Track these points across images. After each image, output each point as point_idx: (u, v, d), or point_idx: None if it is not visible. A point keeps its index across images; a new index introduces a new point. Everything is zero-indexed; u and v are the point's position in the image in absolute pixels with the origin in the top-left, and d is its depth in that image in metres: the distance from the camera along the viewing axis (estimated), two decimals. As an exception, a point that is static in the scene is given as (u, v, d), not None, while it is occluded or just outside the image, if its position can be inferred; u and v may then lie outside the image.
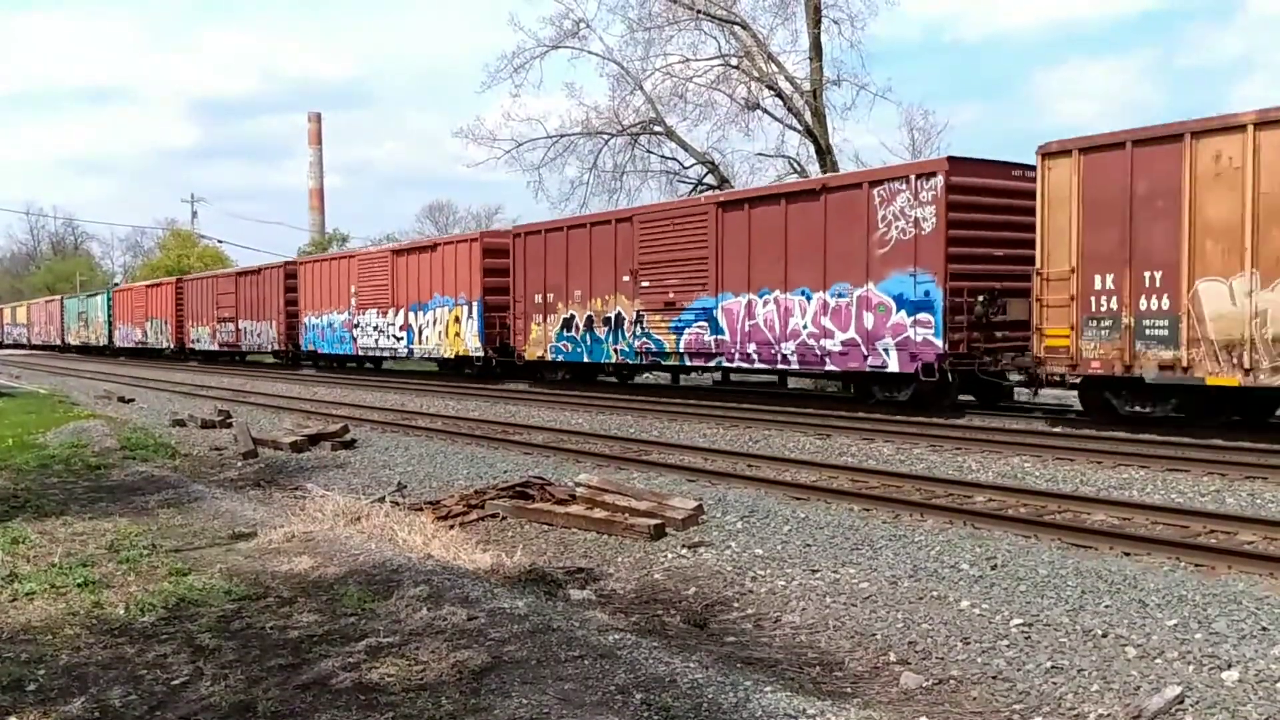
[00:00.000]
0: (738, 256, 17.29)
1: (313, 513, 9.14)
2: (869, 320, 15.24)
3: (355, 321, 28.56)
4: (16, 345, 67.28)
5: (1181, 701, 5.04)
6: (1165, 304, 12.12)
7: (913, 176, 14.68)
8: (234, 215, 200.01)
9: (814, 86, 27.49)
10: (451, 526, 9.28)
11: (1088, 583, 6.77)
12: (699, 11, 28.11)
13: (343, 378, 28.87)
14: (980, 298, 14.38)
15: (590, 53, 30.07)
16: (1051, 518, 8.51)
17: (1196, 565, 7.03)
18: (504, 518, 9.80)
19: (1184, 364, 11.93)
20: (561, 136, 30.53)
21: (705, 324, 17.99)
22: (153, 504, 9.83)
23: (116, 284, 65.76)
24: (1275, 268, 11.21)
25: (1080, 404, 14.13)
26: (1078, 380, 13.30)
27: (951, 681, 5.54)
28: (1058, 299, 13.00)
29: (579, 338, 20.91)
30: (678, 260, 18.53)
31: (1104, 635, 5.95)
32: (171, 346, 41.42)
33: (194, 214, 75.96)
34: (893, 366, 14.93)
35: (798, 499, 9.69)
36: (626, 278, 19.62)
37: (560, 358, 21.66)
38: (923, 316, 14.48)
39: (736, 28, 28.37)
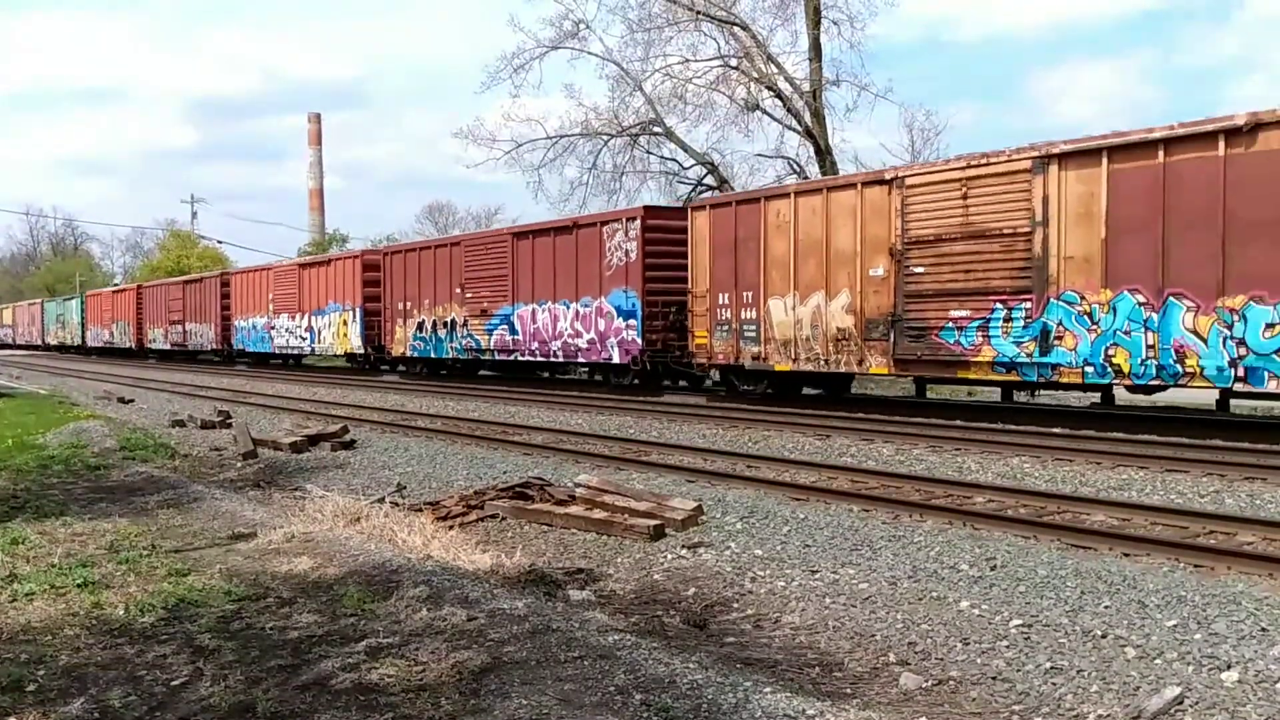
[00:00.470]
0: (526, 275, 22.48)
1: (312, 513, 9.14)
2: (602, 324, 20.56)
3: (272, 324, 33.60)
4: (2, 345, 70.69)
5: (1181, 702, 5.04)
6: (754, 315, 17.18)
7: (625, 219, 20.13)
8: (234, 216, 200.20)
9: (813, 87, 27.52)
10: (451, 527, 9.28)
11: (1087, 583, 6.77)
12: (699, 12, 28.15)
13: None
14: (673, 308, 19.47)
15: (590, 54, 30.15)
16: (1051, 518, 8.51)
17: (1196, 566, 7.03)
18: (503, 518, 9.80)
19: (764, 356, 17.05)
20: (561, 137, 30.59)
21: (506, 327, 23.10)
22: (152, 504, 9.83)
23: (119, 284, 66.65)
24: (806, 289, 16.25)
25: (721, 384, 19.58)
26: (713, 368, 18.71)
27: (951, 682, 5.54)
28: (700, 310, 18.27)
29: (428, 338, 25.88)
30: (489, 277, 23.59)
31: (1103, 636, 5.95)
32: (133, 345, 46.18)
33: (194, 215, 76.15)
34: (615, 359, 20.25)
35: (797, 500, 9.69)
36: (458, 290, 24.63)
37: (416, 354, 26.55)
38: (631, 322, 19.83)
39: (736, 29, 28.41)
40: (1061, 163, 12.75)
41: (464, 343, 24.47)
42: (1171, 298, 11.75)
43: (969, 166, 13.84)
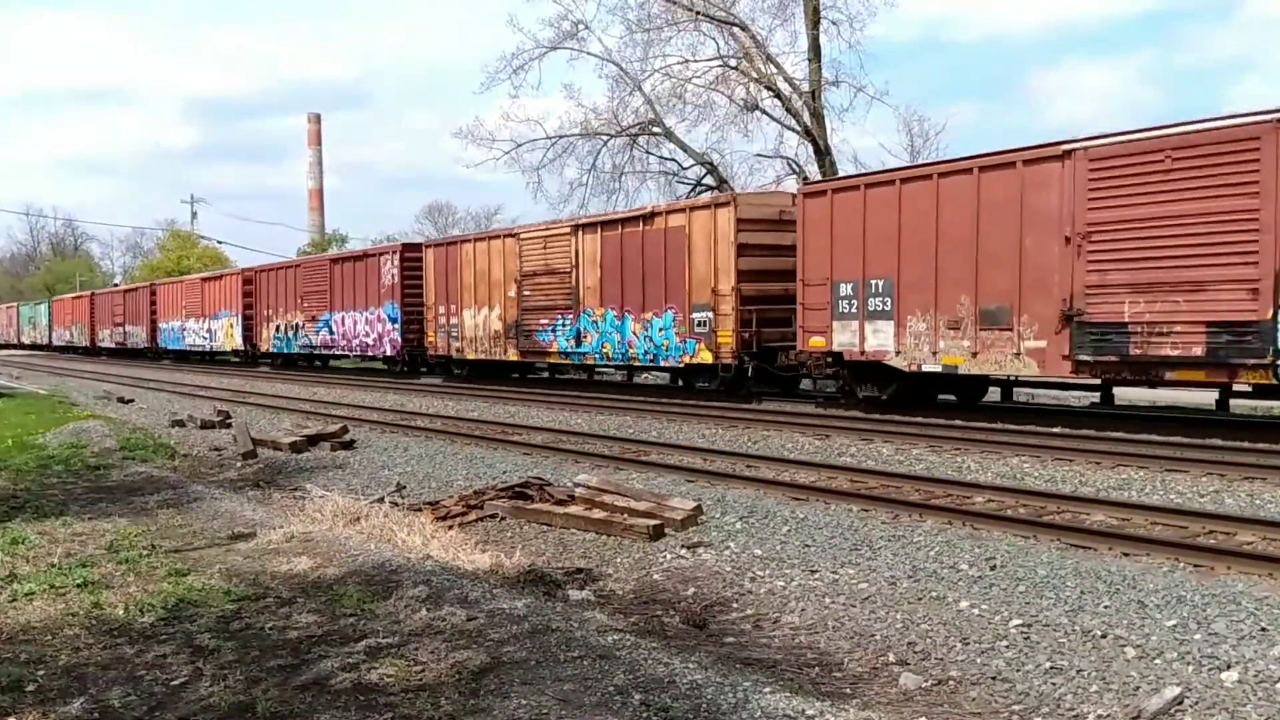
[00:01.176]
0: (339, 291, 29.77)
1: (312, 513, 9.14)
2: (380, 328, 27.83)
3: (185, 326, 41.28)
4: None
5: (1181, 702, 5.05)
6: (456, 320, 24.51)
7: (391, 253, 27.77)
8: (234, 216, 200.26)
9: (813, 87, 27.51)
10: (450, 527, 9.28)
11: (1087, 583, 6.77)
12: (698, 13, 28.13)
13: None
14: (419, 317, 26.19)
15: (589, 54, 30.12)
16: (1050, 518, 8.51)
17: (1195, 566, 7.03)
18: (503, 518, 9.80)
19: (461, 350, 24.58)
20: (560, 137, 30.58)
21: (328, 329, 30.29)
22: (152, 504, 9.83)
23: (119, 284, 67.67)
24: (481, 303, 23.86)
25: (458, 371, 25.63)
26: (437, 358, 25.86)
27: (950, 682, 5.54)
28: (431, 318, 25.57)
29: (282, 337, 33.41)
30: (316, 291, 31.04)
31: (1103, 636, 5.95)
32: (87, 344, 52.99)
33: (193, 215, 76.09)
34: (389, 353, 27.64)
35: (797, 499, 9.69)
36: (300, 300, 31.99)
37: (276, 349, 34.01)
38: (395, 325, 26.96)
39: (735, 29, 28.39)
40: (585, 230, 20.75)
41: (302, 341, 32.03)
42: (627, 312, 19.54)
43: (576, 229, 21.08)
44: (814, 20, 27.30)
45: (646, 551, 8.42)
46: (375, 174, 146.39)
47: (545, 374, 25.93)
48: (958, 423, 13.86)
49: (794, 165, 29.16)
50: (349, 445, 14.86)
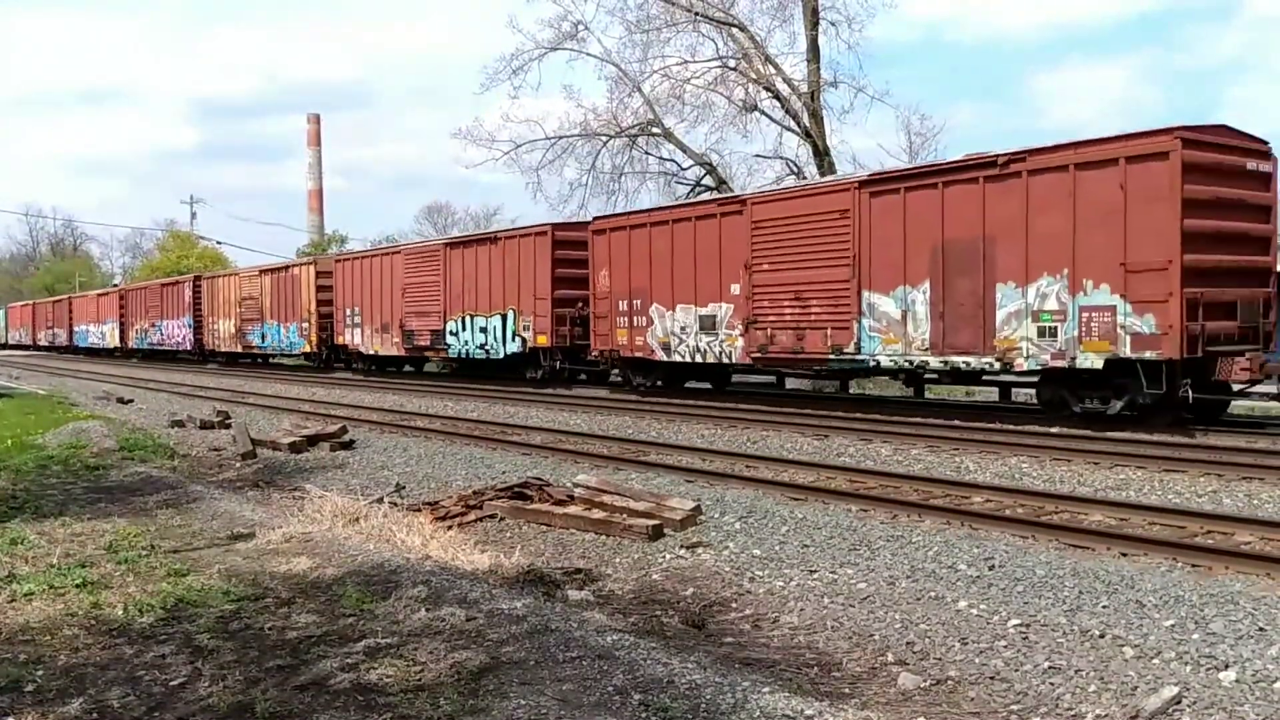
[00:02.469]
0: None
1: (311, 514, 9.14)
2: (183, 329, 39.91)
3: (87, 329, 53.86)
4: None
5: (1179, 702, 5.06)
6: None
7: (185, 283, 40.74)
8: (234, 216, 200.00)
9: (811, 88, 27.52)
10: (450, 527, 9.28)
11: (1085, 583, 6.78)
12: (697, 14, 28.14)
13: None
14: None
15: (588, 55, 30.11)
16: (1049, 518, 8.52)
17: (1194, 566, 7.04)
18: (502, 518, 9.81)
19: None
20: (560, 138, 30.56)
21: (162, 334, 43.21)
22: (151, 505, 9.84)
23: (118, 284, 68.28)
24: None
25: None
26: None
27: (949, 682, 5.55)
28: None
29: (140, 339, 46.10)
30: (170, 304, 42.75)
31: (1101, 636, 5.96)
32: (31, 343, 65.24)
33: (193, 215, 76.10)
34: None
35: (795, 500, 9.70)
36: (143, 312, 45.63)
37: (138, 346, 46.73)
38: (189, 330, 39.57)
39: (734, 30, 28.40)
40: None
41: (148, 340, 45.15)
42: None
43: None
44: (813, 21, 27.30)
45: (646, 552, 8.43)
46: (375, 175, 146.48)
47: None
48: (956, 423, 13.87)
49: (793, 166, 29.16)
50: (348, 445, 14.87)
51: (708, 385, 20.38)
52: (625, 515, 9.10)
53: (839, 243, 15.30)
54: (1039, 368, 13.17)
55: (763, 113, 28.89)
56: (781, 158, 29.45)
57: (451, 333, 24.91)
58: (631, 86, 29.75)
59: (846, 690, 5.46)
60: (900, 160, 32.36)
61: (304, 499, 10.51)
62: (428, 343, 25.91)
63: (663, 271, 18.66)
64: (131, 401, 23.42)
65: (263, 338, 34.97)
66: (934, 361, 14.26)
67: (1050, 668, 5.59)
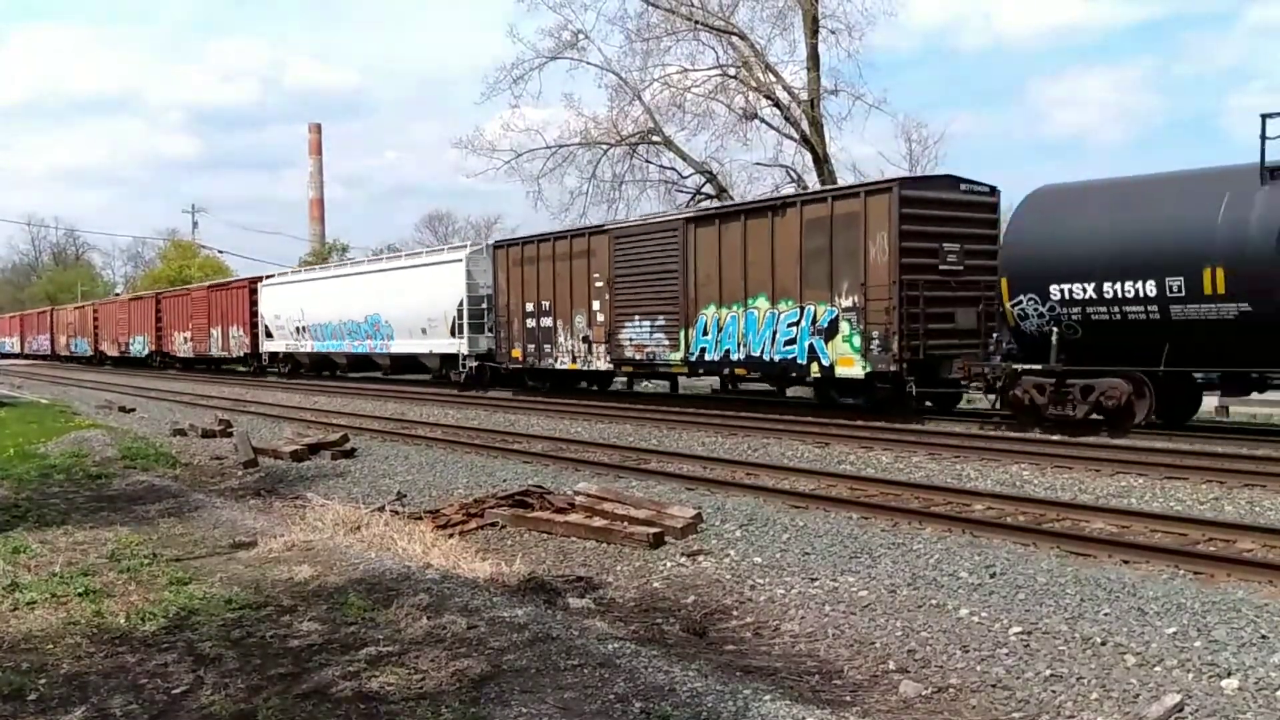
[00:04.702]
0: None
1: (313, 522, 9.16)
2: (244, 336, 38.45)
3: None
4: None
5: (1181, 710, 5.05)
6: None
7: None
8: (235, 226, 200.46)
9: (811, 96, 27.60)
10: (451, 535, 9.29)
11: (1086, 590, 6.78)
12: (697, 22, 28.24)
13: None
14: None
15: (589, 63, 30.23)
16: (1050, 525, 8.52)
17: (1195, 573, 7.03)
18: (503, 526, 9.81)
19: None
20: (560, 147, 30.65)
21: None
22: (153, 513, 9.84)
23: (119, 294, 68.58)
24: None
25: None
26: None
27: (951, 690, 5.55)
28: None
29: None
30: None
31: (1103, 643, 5.96)
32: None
33: (194, 224, 76.27)
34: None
35: (796, 507, 9.70)
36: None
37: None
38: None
39: (734, 38, 28.50)
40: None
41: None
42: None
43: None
44: (812, 29, 27.39)
45: (646, 559, 8.43)
46: (376, 184, 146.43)
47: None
48: (957, 430, 13.88)
49: (793, 174, 29.23)
50: (350, 454, 14.87)
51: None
52: (626, 523, 9.10)
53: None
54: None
55: (763, 121, 28.98)
56: (781, 165, 29.55)
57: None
58: (632, 95, 29.87)
59: (848, 698, 5.46)
60: (901, 168, 32.45)
61: (306, 507, 10.52)
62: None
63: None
64: (133, 410, 23.43)
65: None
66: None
67: (1052, 675, 5.58)
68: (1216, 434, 12.57)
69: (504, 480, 11.99)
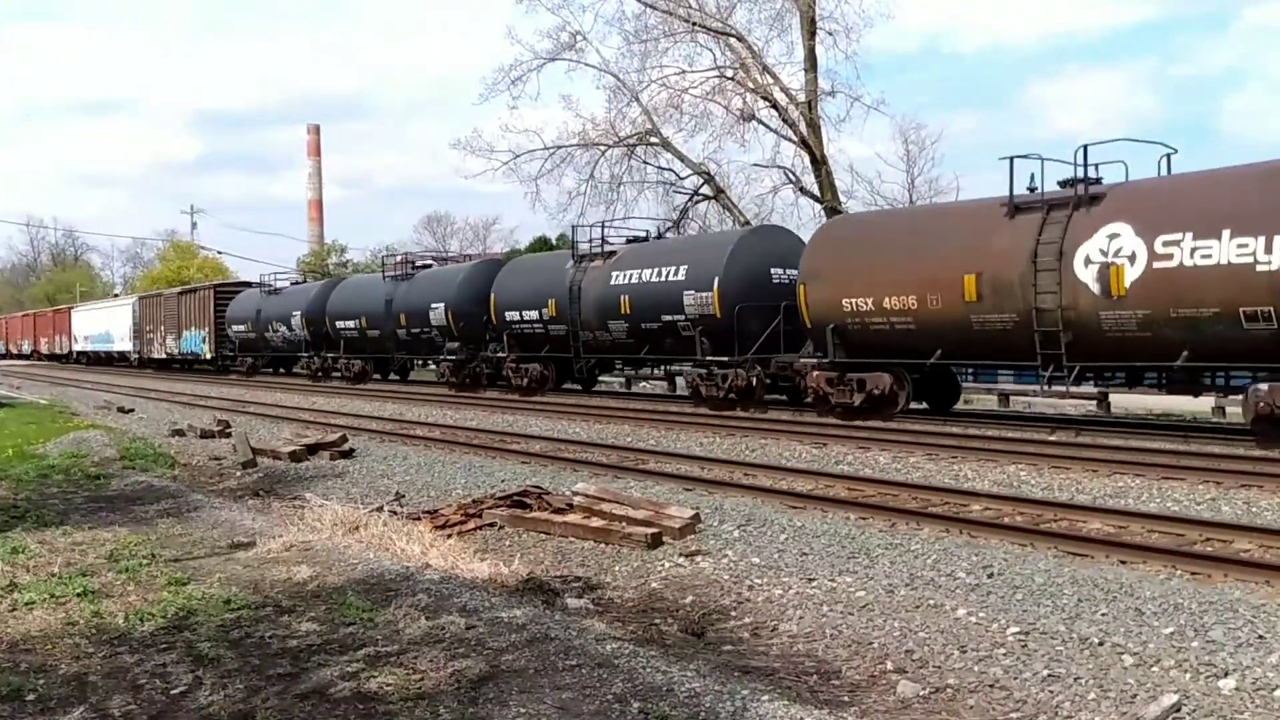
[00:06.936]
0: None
1: (311, 522, 9.15)
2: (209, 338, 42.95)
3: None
4: None
5: (1178, 710, 5.07)
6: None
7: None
8: (234, 227, 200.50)
9: (809, 98, 27.62)
10: (449, 536, 9.29)
11: (1084, 591, 6.79)
12: (695, 24, 28.27)
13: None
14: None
15: (587, 65, 30.25)
16: (1048, 526, 8.54)
17: (1193, 573, 7.05)
18: (501, 527, 9.82)
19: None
20: (558, 148, 30.65)
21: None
22: (152, 514, 9.84)
23: (118, 294, 68.52)
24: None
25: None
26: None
27: (948, 690, 5.56)
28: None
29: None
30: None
31: (1100, 643, 5.97)
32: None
33: (193, 225, 76.29)
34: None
35: (794, 508, 9.71)
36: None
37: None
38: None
39: (732, 40, 28.52)
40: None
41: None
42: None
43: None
44: (810, 31, 27.42)
45: (645, 560, 8.44)
46: (375, 185, 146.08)
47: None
48: (954, 430, 13.90)
49: (790, 175, 29.25)
50: (348, 454, 14.87)
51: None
52: (624, 523, 9.11)
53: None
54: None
55: (760, 122, 29.00)
56: (779, 166, 29.55)
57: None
58: (630, 96, 29.89)
59: (845, 698, 5.47)
60: (899, 169, 32.40)
61: (304, 508, 10.51)
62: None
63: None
64: (132, 411, 23.43)
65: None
66: None
67: (1049, 675, 5.60)
68: (1213, 434, 12.57)
69: (502, 480, 12.00)
